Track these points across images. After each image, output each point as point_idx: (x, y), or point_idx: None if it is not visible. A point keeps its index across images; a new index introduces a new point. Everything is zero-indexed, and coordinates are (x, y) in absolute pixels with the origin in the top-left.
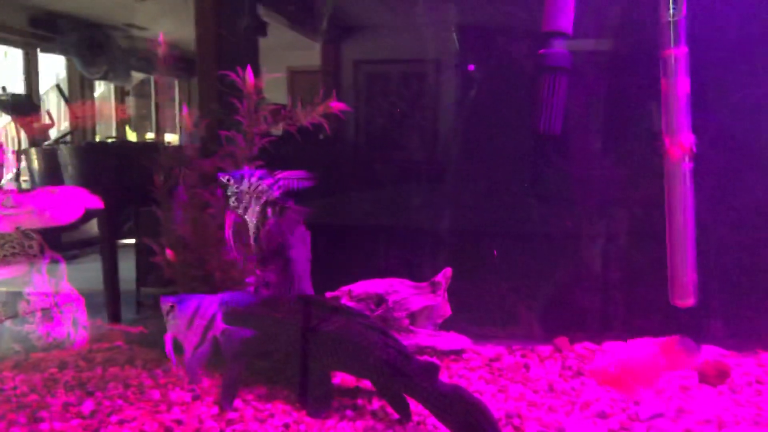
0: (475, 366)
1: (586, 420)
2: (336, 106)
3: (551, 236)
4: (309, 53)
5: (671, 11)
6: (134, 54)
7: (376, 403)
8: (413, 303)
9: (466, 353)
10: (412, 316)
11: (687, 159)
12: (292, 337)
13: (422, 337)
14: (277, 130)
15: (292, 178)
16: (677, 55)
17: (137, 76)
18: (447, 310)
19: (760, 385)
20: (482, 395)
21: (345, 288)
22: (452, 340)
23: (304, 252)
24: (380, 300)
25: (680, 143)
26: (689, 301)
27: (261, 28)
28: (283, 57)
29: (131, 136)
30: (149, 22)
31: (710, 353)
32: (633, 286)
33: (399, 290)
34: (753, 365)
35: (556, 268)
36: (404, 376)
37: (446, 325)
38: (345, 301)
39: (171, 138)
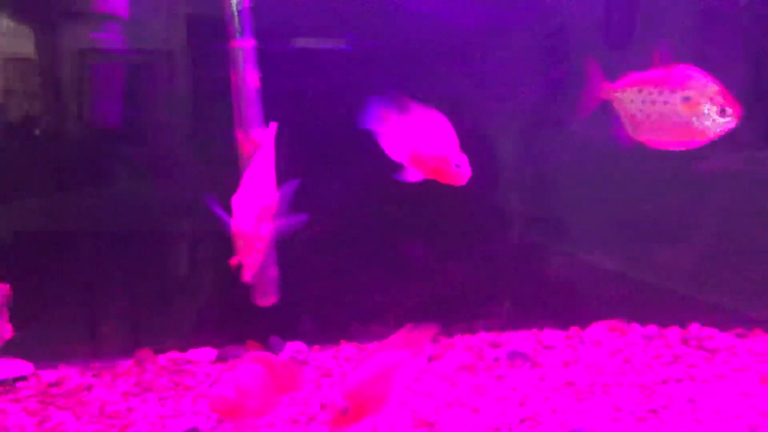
0: (25, 396)
1: None
2: None
3: (132, 236)
4: (23, 40)
5: (234, 2)
6: None
7: None
8: None
9: (28, 380)
10: None
11: None
12: None
13: None
14: None
15: None
16: (243, 47)
17: None
18: (6, 332)
19: (326, 378)
20: (8, 431)
21: None
22: (7, 367)
23: None
24: None
25: (251, 137)
26: (270, 299)
27: None
28: None
29: None
30: None
31: (290, 350)
32: (223, 288)
33: None
34: (329, 357)
35: (136, 272)
36: None
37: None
38: None
39: None
